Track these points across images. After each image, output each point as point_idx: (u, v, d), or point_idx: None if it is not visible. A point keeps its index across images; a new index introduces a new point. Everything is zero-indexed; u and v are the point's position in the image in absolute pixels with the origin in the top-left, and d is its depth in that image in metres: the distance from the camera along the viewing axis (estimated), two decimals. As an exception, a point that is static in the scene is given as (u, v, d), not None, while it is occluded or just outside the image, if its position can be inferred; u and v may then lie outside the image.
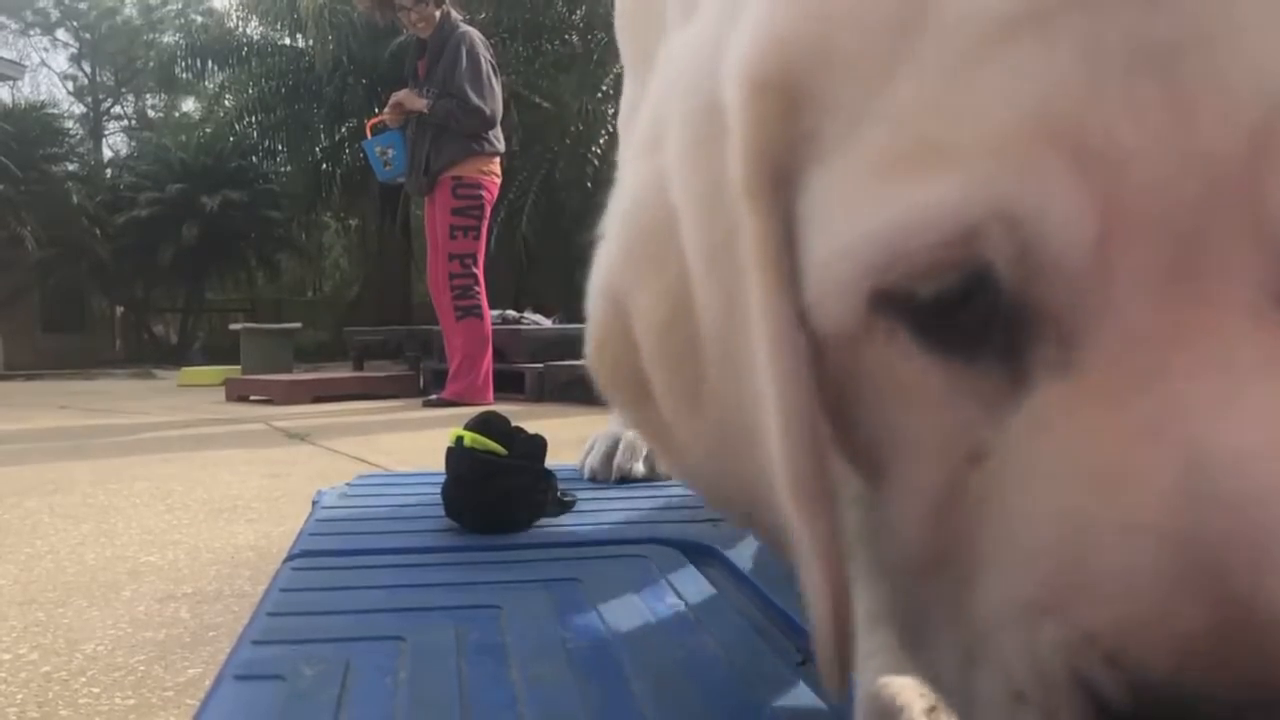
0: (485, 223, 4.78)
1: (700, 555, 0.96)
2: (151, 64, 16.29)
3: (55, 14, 21.62)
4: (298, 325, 9.86)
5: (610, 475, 1.32)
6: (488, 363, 4.81)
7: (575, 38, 11.31)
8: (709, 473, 0.42)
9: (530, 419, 1.52)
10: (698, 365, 0.37)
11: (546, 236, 10.00)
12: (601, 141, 9.83)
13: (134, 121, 21.86)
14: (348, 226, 16.67)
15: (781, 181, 0.32)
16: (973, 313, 0.29)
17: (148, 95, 21.16)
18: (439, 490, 1.12)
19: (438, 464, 1.14)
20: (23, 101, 15.96)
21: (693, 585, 0.86)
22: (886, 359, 0.31)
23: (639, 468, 1.32)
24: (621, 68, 1.17)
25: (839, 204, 0.30)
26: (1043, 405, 0.29)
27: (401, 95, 4.70)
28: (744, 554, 0.94)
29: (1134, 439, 0.27)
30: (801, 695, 0.63)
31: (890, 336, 0.31)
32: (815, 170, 0.31)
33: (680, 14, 0.74)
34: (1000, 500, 0.30)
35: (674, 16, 0.80)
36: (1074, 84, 0.27)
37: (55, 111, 16.55)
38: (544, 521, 1.10)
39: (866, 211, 0.29)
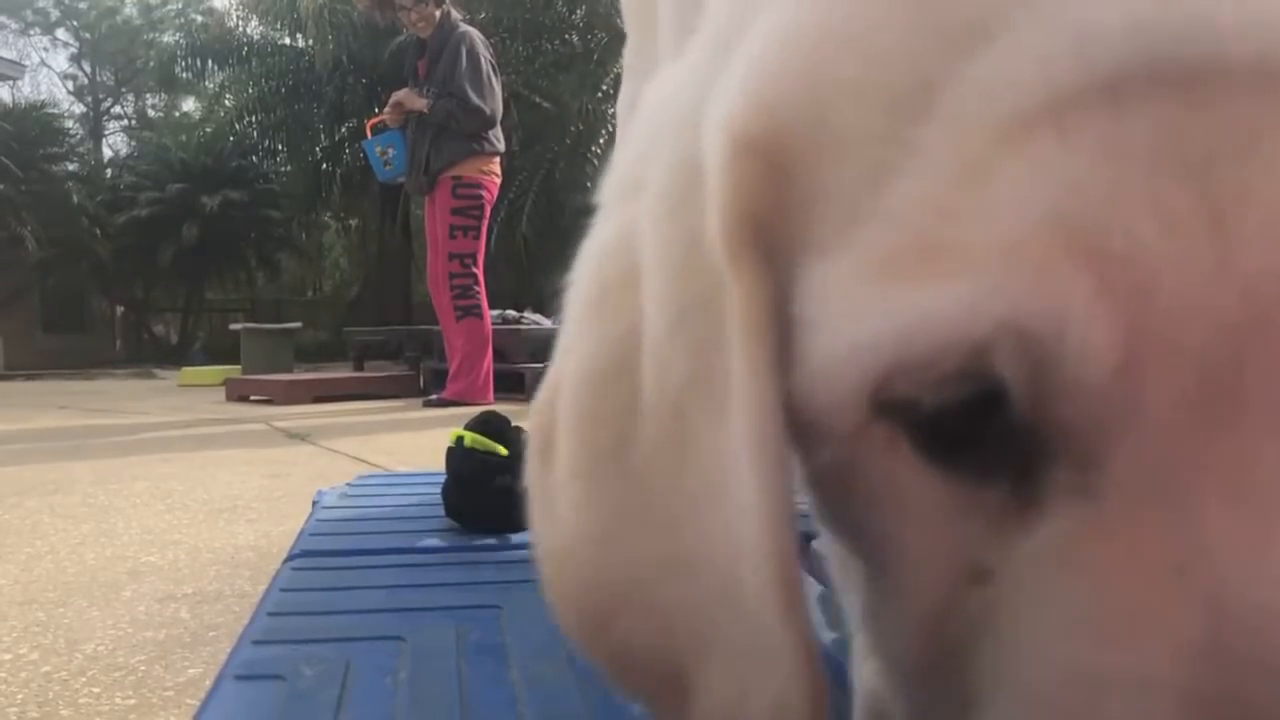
0: (485, 223, 4.78)
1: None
2: (151, 64, 16.29)
3: (55, 13, 21.62)
4: (298, 325, 9.86)
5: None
6: (488, 363, 4.81)
7: (575, 38, 11.31)
8: (593, 552, 0.35)
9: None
10: (626, 431, 0.33)
11: (546, 236, 10.00)
12: (601, 141, 9.84)
13: (134, 121, 21.86)
14: (348, 226, 16.67)
15: (769, 249, 0.29)
16: (981, 426, 0.27)
17: (148, 95, 21.17)
18: (439, 490, 1.12)
19: (438, 464, 1.15)
20: (23, 101, 15.96)
21: (693, 585, 0.86)
22: (884, 465, 0.29)
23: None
24: (622, 68, 1.16)
25: (838, 301, 0.27)
26: (1055, 532, 0.26)
27: (401, 95, 4.70)
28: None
29: (1155, 581, 0.25)
30: (801, 695, 0.63)
31: (890, 443, 0.28)
32: (813, 257, 0.28)
33: (674, 29, 0.72)
34: (1003, 628, 0.28)
35: (666, 34, 0.78)
36: (1096, 187, 0.24)
37: (55, 111, 16.53)
38: (544, 521, 1.09)
39: (868, 315, 0.26)
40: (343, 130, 12.84)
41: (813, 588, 0.81)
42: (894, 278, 0.26)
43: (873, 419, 0.28)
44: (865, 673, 0.46)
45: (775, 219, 0.28)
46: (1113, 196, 0.24)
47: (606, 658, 0.36)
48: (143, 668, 1.34)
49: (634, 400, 0.33)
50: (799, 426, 0.29)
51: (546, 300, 8.60)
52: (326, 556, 1.01)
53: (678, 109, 0.33)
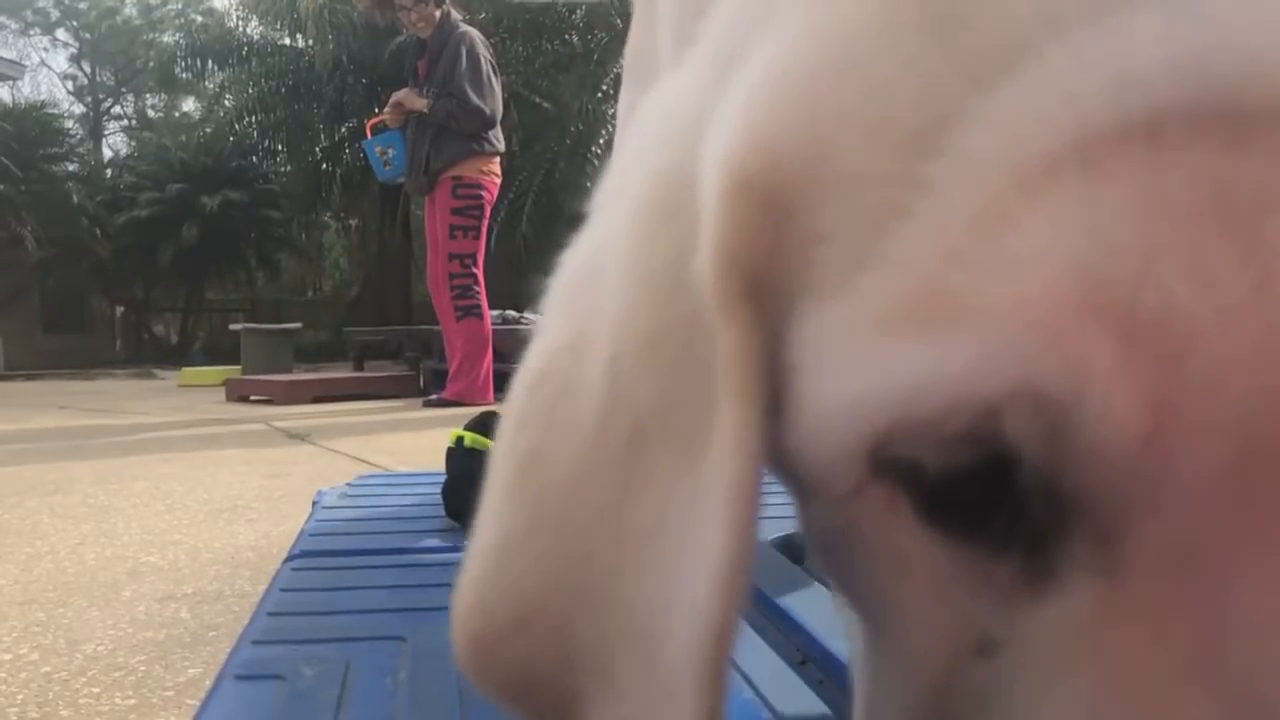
0: (485, 223, 4.78)
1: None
2: (151, 64, 16.31)
3: (55, 14, 21.62)
4: (298, 325, 9.86)
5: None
6: (488, 363, 4.81)
7: (575, 38, 11.31)
8: (496, 565, 0.32)
9: (530, 419, 1.51)
10: (550, 441, 0.31)
11: (546, 237, 9.99)
12: (601, 142, 9.84)
13: (134, 121, 21.86)
14: (348, 226, 16.68)
15: (764, 292, 0.26)
16: (991, 493, 0.24)
17: (148, 95, 21.17)
18: (439, 490, 1.12)
19: (438, 464, 1.15)
20: (23, 101, 15.97)
21: (693, 585, 0.86)
22: (884, 527, 0.26)
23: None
24: (622, 69, 1.16)
25: (837, 350, 0.25)
26: (1070, 610, 0.24)
27: (401, 95, 4.70)
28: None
29: (1177, 670, 0.23)
30: (802, 695, 0.63)
31: (890, 505, 0.26)
32: (812, 302, 0.26)
33: (674, 36, 0.70)
34: (1009, 706, 0.26)
35: (666, 41, 0.76)
36: (1127, 239, 0.22)
37: (55, 111, 16.54)
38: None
39: (868, 368, 0.24)
40: (343, 130, 12.85)
41: (818, 594, 0.81)
42: (899, 328, 0.24)
43: (872, 478, 0.26)
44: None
45: (773, 262, 0.26)
46: (1145, 250, 0.21)
47: (493, 675, 0.33)
48: (143, 668, 1.34)
49: (563, 408, 0.30)
50: (794, 479, 0.28)
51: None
52: (326, 556, 1.01)
53: (673, 124, 0.30)
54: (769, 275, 0.26)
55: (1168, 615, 0.23)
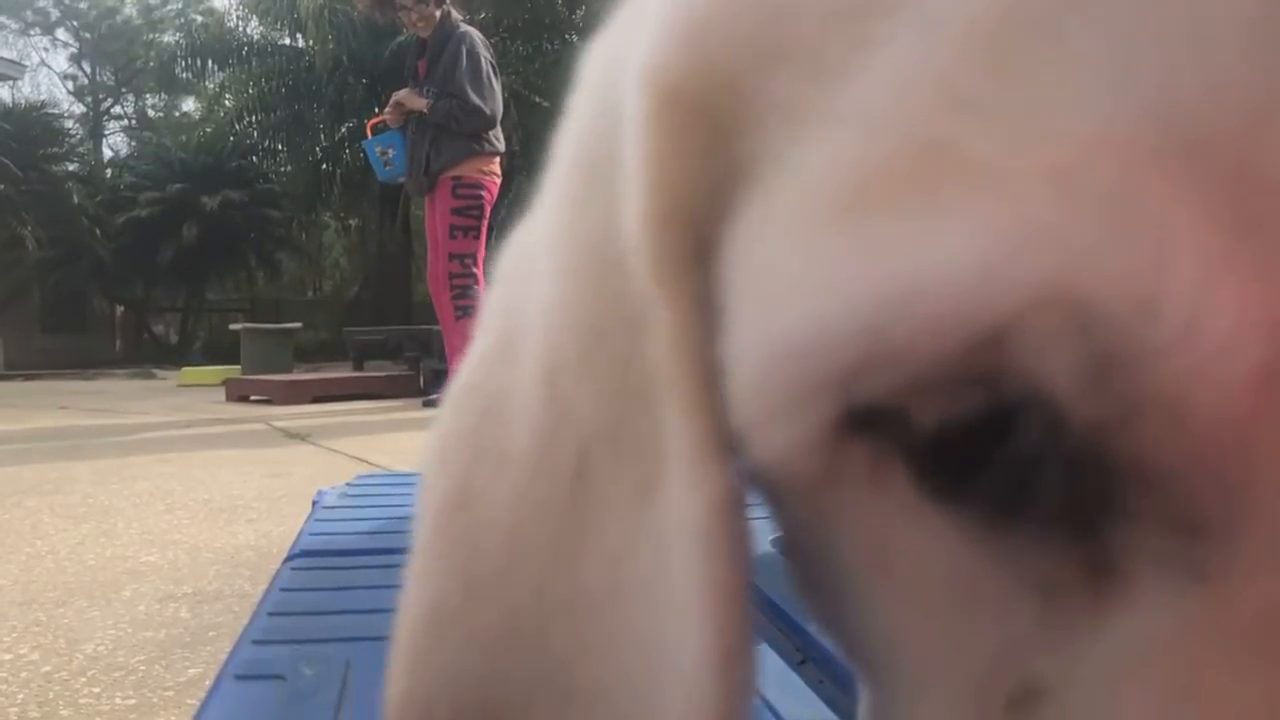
0: (485, 222, 4.78)
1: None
2: (151, 64, 16.28)
3: (55, 14, 21.64)
4: (298, 325, 9.87)
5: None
6: (488, 363, 4.81)
7: (575, 37, 11.31)
8: (424, 629, 0.24)
9: (530, 419, 1.51)
10: (478, 478, 0.24)
11: (546, 236, 10.00)
12: (601, 141, 9.83)
13: (134, 121, 21.88)
14: (348, 226, 16.68)
15: (708, 250, 0.19)
16: (1017, 455, 0.16)
17: (148, 95, 21.17)
18: (439, 490, 1.12)
19: (438, 464, 1.14)
20: (23, 101, 15.95)
21: (693, 585, 0.86)
22: (872, 516, 0.18)
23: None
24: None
25: (779, 257, 0.17)
26: (1145, 629, 0.16)
27: (402, 95, 4.70)
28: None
29: None
30: (802, 695, 0.63)
31: (875, 483, 0.17)
32: (745, 211, 0.18)
33: None
34: None
35: None
36: (1225, 67, 0.13)
37: (55, 111, 16.57)
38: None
39: (823, 271, 0.16)
40: (343, 130, 12.86)
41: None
42: (865, 209, 0.15)
43: (847, 442, 0.17)
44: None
45: (718, 203, 0.18)
46: (1251, 85, 0.13)
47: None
48: (143, 668, 1.34)
49: (494, 431, 0.24)
50: (762, 482, 0.20)
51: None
52: (326, 556, 1.01)
53: (600, 67, 0.23)
54: (717, 227, 0.18)
55: None
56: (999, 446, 0.16)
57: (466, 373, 0.25)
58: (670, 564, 0.19)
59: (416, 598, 0.25)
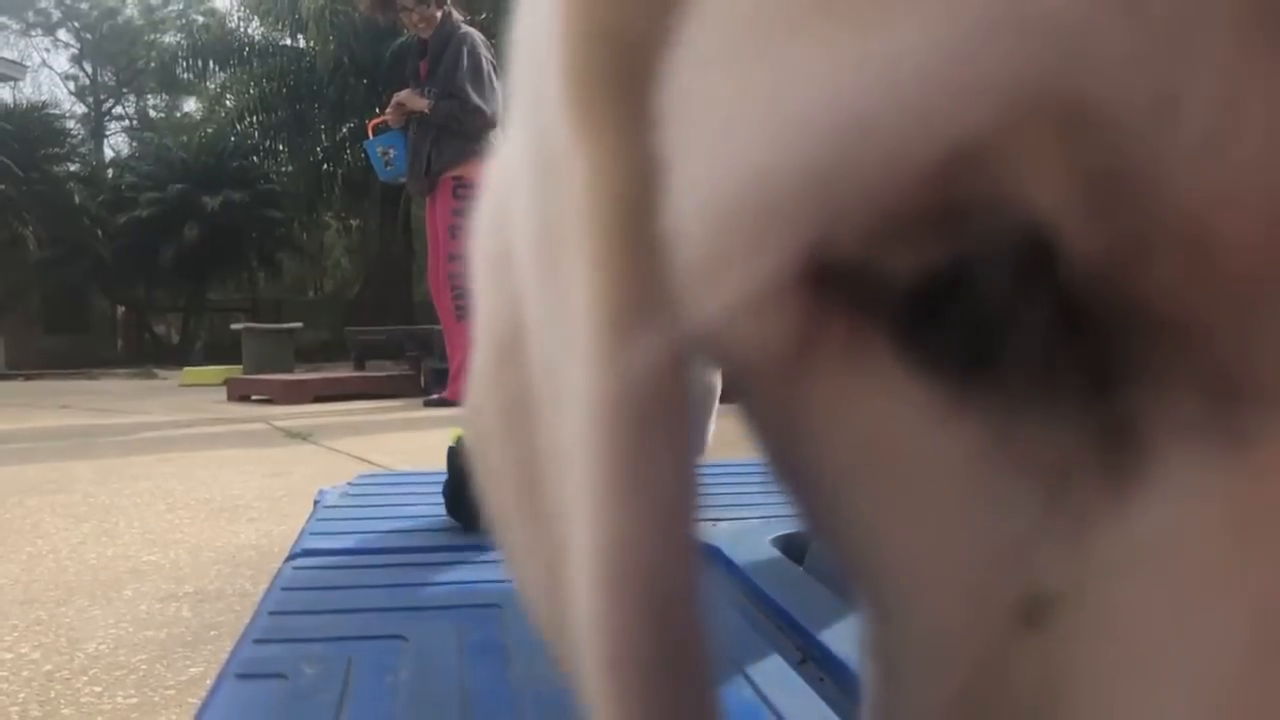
0: (486, 223, 4.79)
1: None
2: (153, 64, 16.34)
3: (56, 14, 21.66)
4: (299, 325, 9.87)
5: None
6: (489, 363, 4.82)
7: (576, 38, 11.31)
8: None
9: (531, 419, 1.51)
10: (525, 431, 0.21)
11: (547, 236, 10.00)
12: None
13: (135, 122, 21.89)
14: (349, 226, 16.70)
15: (639, 88, 0.15)
16: (1009, 312, 0.13)
17: (149, 95, 21.19)
18: (440, 490, 1.12)
19: (439, 463, 1.15)
20: (24, 102, 15.97)
21: (693, 585, 0.86)
22: (850, 401, 0.15)
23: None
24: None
25: (707, 87, 0.14)
26: (1176, 515, 0.13)
27: (403, 96, 4.70)
28: (744, 552, 0.94)
29: None
30: (802, 695, 0.63)
31: (853, 361, 0.15)
32: (684, 32, 0.14)
33: None
34: (1084, 701, 0.14)
35: None
36: None
37: (56, 112, 16.60)
38: (545, 521, 1.10)
39: (752, 105, 0.13)
40: (344, 130, 12.87)
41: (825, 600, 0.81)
42: (807, 17, 0.12)
43: (812, 312, 0.14)
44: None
45: (653, 20, 0.15)
46: None
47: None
48: (144, 666, 1.34)
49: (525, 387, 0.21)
50: (736, 389, 0.18)
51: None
52: (327, 555, 1.01)
53: None
54: (655, 54, 0.15)
55: None
56: (988, 304, 0.13)
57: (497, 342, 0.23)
58: (574, 454, 0.17)
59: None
